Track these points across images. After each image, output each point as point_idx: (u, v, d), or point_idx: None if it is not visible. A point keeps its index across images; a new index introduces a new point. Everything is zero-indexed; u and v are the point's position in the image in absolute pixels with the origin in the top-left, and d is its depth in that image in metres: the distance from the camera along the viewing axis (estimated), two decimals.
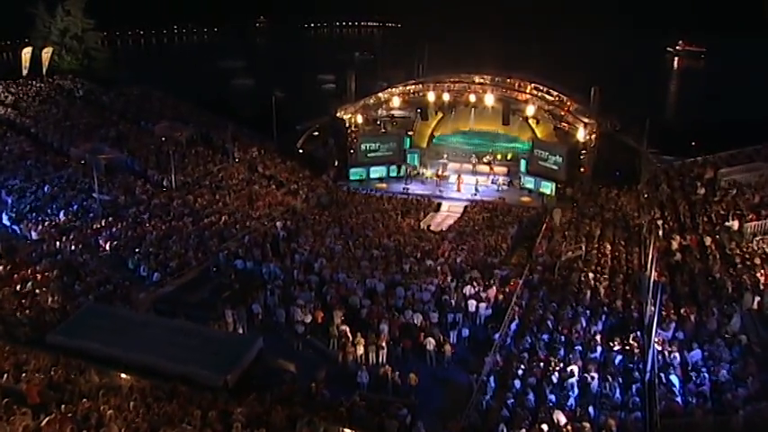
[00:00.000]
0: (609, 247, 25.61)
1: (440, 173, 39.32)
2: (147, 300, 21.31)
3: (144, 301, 21.17)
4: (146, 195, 30.72)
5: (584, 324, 18.60)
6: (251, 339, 17.03)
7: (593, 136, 34.44)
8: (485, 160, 40.76)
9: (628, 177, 35.92)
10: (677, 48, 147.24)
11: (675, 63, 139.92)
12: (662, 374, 14.99)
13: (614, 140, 37.89)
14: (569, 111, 35.96)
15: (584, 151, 34.82)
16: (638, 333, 17.50)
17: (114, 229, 26.20)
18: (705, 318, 17.42)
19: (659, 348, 16.05)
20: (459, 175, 38.60)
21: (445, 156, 41.49)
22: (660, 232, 24.33)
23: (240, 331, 19.88)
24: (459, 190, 37.82)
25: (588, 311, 19.34)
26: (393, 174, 40.28)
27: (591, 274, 22.11)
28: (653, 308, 16.65)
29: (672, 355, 15.91)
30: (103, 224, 26.61)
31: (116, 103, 46.46)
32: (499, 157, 41.27)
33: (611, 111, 37.59)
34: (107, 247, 24.73)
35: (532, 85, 37.74)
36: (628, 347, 16.97)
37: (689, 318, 17.57)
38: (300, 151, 44.16)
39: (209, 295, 21.95)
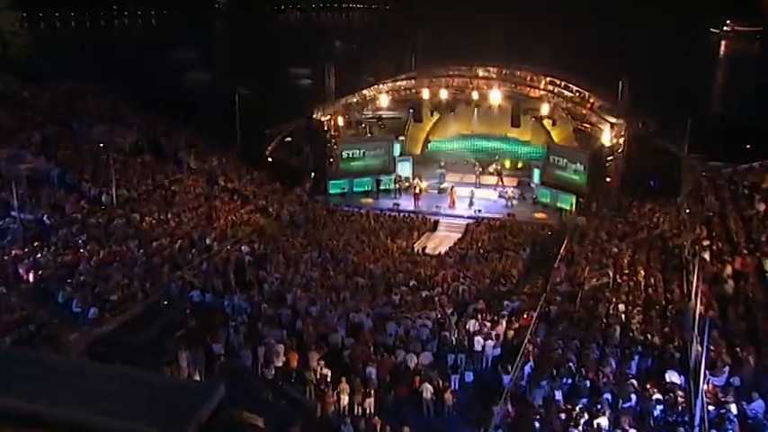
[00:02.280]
0: (642, 272, 25.63)
1: (440, 185, 39.99)
2: (81, 342, 21.15)
3: (76, 343, 20.99)
4: (79, 214, 30.53)
5: (614, 366, 18.53)
6: (210, 388, 16.21)
7: (622, 139, 34.98)
8: (490, 170, 41.14)
9: (665, 188, 36.24)
10: (725, 28, 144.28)
11: (723, 47, 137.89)
12: (714, 430, 14.86)
13: (648, 144, 38.18)
14: (592, 109, 36.59)
15: (610, 157, 35.31)
16: (682, 378, 17.35)
17: (39, 256, 25.96)
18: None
19: (709, 398, 15.87)
20: (451, 188, 39.01)
21: (443, 164, 42.06)
22: (707, 255, 24.12)
23: (197, 378, 19.84)
24: (452, 205, 38.07)
25: (619, 351, 19.33)
26: (383, 186, 40.71)
27: (621, 306, 22.14)
28: (700, 347, 16.32)
29: (726, 407, 15.58)
30: (25, 250, 26.36)
31: (40, 100, 46.17)
32: (508, 165, 41.95)
33: (643, 108, 38.38)
34: (29, 278, 24.52)
35: (547, 78, 38.48)
36: (669, 396, 16.66)
37: (747, 360, 17.26)
38: (270, 160, 44.49)
39: (159, 335, 21.91)
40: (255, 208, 35.93)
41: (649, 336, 20.02)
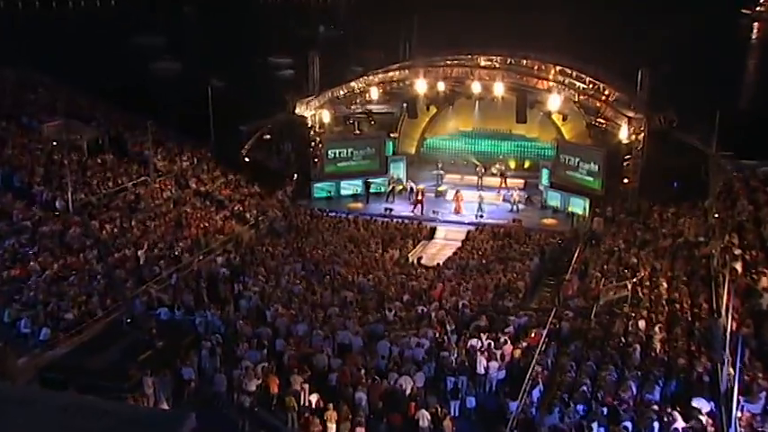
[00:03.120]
0: (665, 285, 25.65)
1: (437, 188, 40.02)
2: (31, 366, 21.05)
3: (25, 368, 20.90)
4: (30, 221, 30.31)
5: (634, 391, 18.48)
6: (179, 418, 16.23)
7: (641, 135, 34.99)
8: (494, 170, 41.36)
9: (690, 190, 36.26)
10: (757, 8, 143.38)
11: (755, 30, 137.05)
12: None
13: (670, 140, 38.24)
14: (608, 102, 36.49)
15: (628, 156, 35.37)
16: (712, 404, 17.27)
17: None
18: None
19: (744, 427, 15.79)
20: (457, 192, 39.05)
21: (440, 165, 42.06)
22: (739, 266, 23.72)
23: (164, 406, 19.69)
24: (458, 211, 38.21)
25: (639, 373, 19.27)
26: (373, 189, 40.78)
27: (641, 323, 22.11)
28: (731, 369, 16.57)
29: None
30: None
31: None
32: (513, 165, 42.49)
33: (665, 100, 38.13)
34: None
35: (558, 67, 38.52)
36: (697, 424, 16.59)
37: None
38: (247, 160, 44.39)
39: (121, 358, 21.70)
40: (231, 214, 36.00)
41: (674, 356, 19.95)
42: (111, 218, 32.19)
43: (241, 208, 36.86)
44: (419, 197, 38.86)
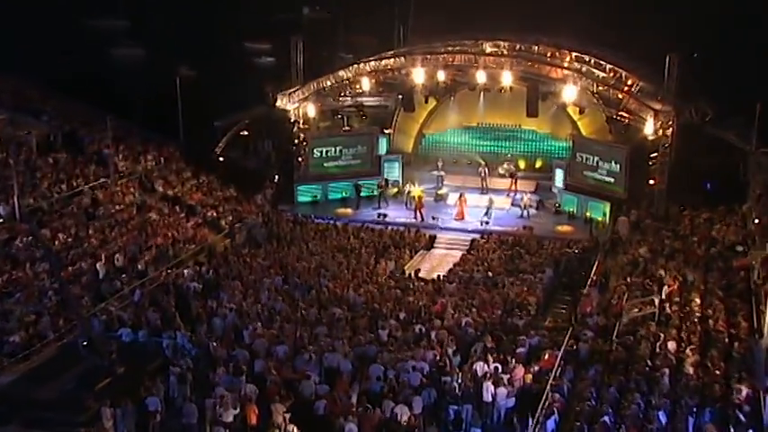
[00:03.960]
0: (698, 301, 25.59)
1: (438, 191, 40.22)
2: None
3: None
4: None
5: (664, 421, 18.43)
6: None
7: (670, 130, 34.87)
8: (501, 171, 41.69)
9: (726, 192, 36.17)
10: None
11: None
12: None
13: (703, 136, 38.00)
14: (631, 92, 36.35)
15: (654, 154, 35.34)
16: None
17: None
18: None
19: None
20: (460, 195, 39.10)
21: (441, 165, 42.23)
22: None
23: None
24: (461, 217, 38.40)
25: (668, 402, 19.21)
26: (364, 193, 40.99)
27: (671, 344, 22.05)
28: None
29: None
30: None
31: None
32: (523, 165, 42.43)
33: (698, 90, 37.94)
34: None
35: (574, 54, 38.61)
36: None
37: None
38: (221, 160, 44.53)
39: (76, 386, 21.60)
40: (203, 221, 36.04)
41: (708, 383, 19.89)
42: (64, 225, 31.99)
43: (215, 214, 36.82)
44: (419, 202, 38.99)
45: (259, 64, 77.83)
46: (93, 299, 26.57)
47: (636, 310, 24.45)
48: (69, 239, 31.04)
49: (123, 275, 29.08)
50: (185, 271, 30.06)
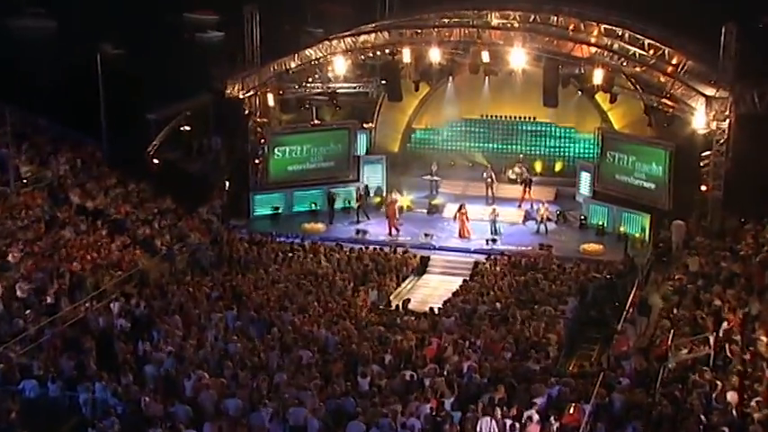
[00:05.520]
0: (765, 339, 23.76)
1: (431, 201, 39.76)
2: None
3: None
4: None
5: None
6: None
7: (726, 122, 33.48)
8: (511, 175, 40.84)
9: None
10: None
11: None
12: None
13: None
14: (676, 74, 34.78)
15: (706, 153, 34.45)
16: None
17: None
18: None
19: None
20: (460, 207, 37.69)
21: (435, 168, 41.52)
22: None
23: None
24: (463, 235, 37.13)
25: None
26: (339, 204, 40.22)
27: (731, 395, 20.41)
28: None
29: None
30: None
31: None
32: (539, 168, 41.62)
33: (763, 70, 36.76)
34: None
35: (603, 26, 36.97)
36: None
37: None
38: (156, 162, 42.73)
39: None
40: (133, 240, 34.45)
41: None
42: None
43: (147, 232, 35.12)
44: (394, 209, 37.87)
45: (204, 40, 77.41)
46: None
47: (685, 351, 23.33)
48: None
49: (27, 311, 27.22)
50: (109, 305, 28.59)
